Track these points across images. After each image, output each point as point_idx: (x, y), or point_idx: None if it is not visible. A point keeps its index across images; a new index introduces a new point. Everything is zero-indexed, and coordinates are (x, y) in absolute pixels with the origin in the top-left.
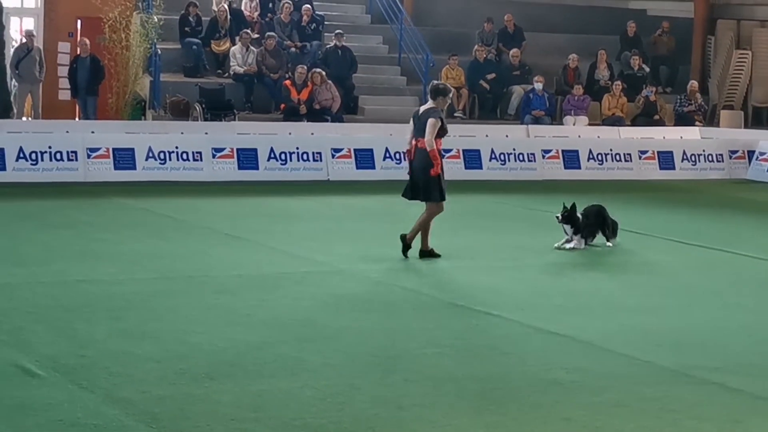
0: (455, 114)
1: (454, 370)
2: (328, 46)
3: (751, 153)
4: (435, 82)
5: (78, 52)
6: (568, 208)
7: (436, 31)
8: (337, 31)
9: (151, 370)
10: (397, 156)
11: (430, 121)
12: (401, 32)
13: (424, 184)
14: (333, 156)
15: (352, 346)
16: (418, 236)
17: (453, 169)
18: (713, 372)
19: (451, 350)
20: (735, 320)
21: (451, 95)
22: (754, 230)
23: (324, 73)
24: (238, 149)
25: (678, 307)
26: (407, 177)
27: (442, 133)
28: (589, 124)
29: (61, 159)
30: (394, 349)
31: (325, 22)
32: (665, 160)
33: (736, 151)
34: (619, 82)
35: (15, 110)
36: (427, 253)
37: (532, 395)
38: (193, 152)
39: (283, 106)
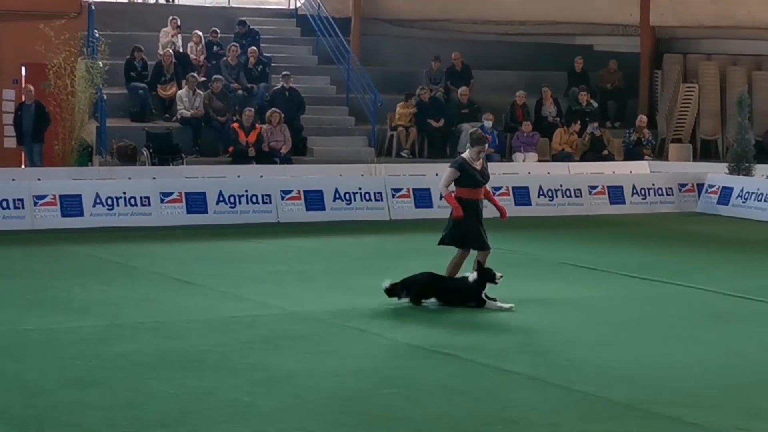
0: (402, 153)
1: (408, 410)
2: (275, 87)
3: (700, 186)
4: (473, 130)
5: (23, 99)
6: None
7: (384, 71)
8: (285, 72)
9: (102, 418)
10: (347, 197)
11: (447, 170)
12: (349, 72)
13: (466, 234)
14: (282, 198)
15: (304, 388)
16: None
17: (403, 209)
18: (666, 406)
19: (405, 391)
20: (688, 353)
21: (486, 146)
22: (705, 263)
23: (281, 114)
24: (186, 193)
25: (631, 342)
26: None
27: (472, 181)
28: (539, 161)
29: (8, 207)
30: (346, 390)
31: (272, 64)
32: (615, 194)
33: (686, 185)
34: (579, 122)
35: None
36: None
37: None
38: (141, 197)
39: (231, 149)
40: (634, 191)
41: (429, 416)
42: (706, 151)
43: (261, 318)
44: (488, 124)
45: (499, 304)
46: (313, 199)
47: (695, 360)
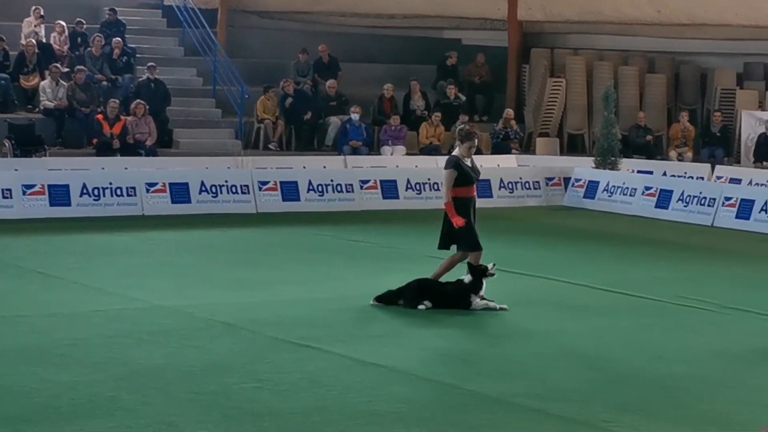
0: (270, 146)
1: (275, 404)
2: (140, 79)
3: (567, 180)
4: (462, 126)
5: None
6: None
7: (251, 63)
8: (150, 63)
9: None
10: (213, 189)
11: (444, 173)
12: (215, 64)
13: (453, 233)
14: (147, 191)
15: (170, 383)
16: None
17: (270, 202)
18: (535, 399)
19: (271, 384)
20: (556, 346)
21: (476, 141)
22: (572, 256)
23: (146, 105)
24: (49, 185)
25: (499, 335)
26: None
27: (466, 179)
28: (407, 154)
29: None
30: (213, 385)
31: (137, 55)
32: (482, 188)
33: (553, 178)
34: (439, 113)
35: None
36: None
37: (354, 428)
38: (2, 189)
39: (95, 141)
40: (502, 185)
41: (296, 410)
42: (572, 145)
43: (125, 312)
44: (355, 116)
45: (492, 304)
46: (179, 192)
47: (563, 353)
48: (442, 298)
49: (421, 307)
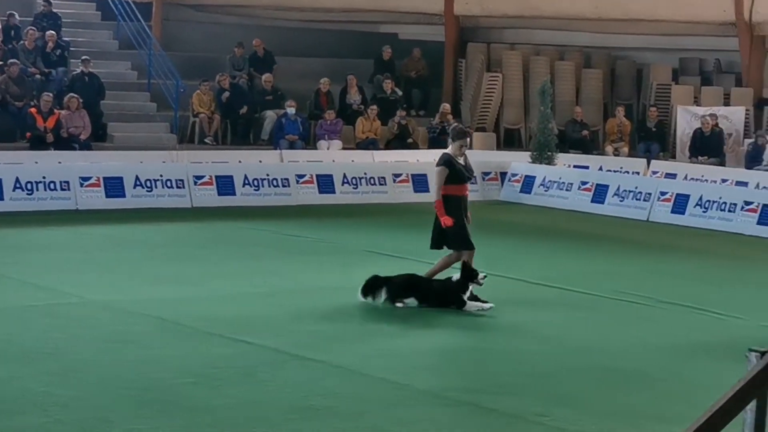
0: (205, 140)
1: (209, 399)
2: (74, 72)
3: (503, 174)
4: (454, 124)
5: None
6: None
7: (186, 57)
8: (84, 57)
9: None
10: (148, 184)
11: (435, 170)
12: (150, 58)
13: (444, 233)
14: (81, 185)
15: (104, 378)
16: None
17: (206, 196)
18: (469, 393)
19: (206, 379)
20: (490, 340)
21: (468, 139)
22: (508, 251)
23: (80, 99)
24: None
25: (435, 329)
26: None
27: (458, 177)
28: (343, 148)
29: None
30: (148, 380)
31: (71, 48)
32: (419, 182)
33: (489, 173)
34: (375, 107)
35: None
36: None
37: (288, 423)
38: None
39: (28, 134)
40: None
41: (231, 405)
42: (509, 140)
43: (59, 307)
44: (291, 110)
45: (480, 304)
46: (113, 186)
47: (498, 347)
48: (429, 296)
49: (399, 304)
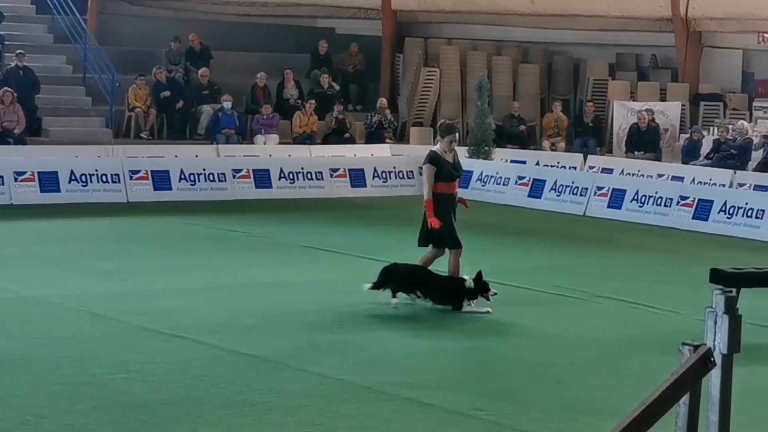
0: (141, 134)
1: (144, 395)
2: (8, 66)
3: None
4: (441, 121)
5: None
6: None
7: (122, 51)
8: (19, 51)
9: None
10: (83, 178)
11: (423, 169)
12: (86, 52)
13: (432, 231)
14: (16, 180)
15: (37, 374)
16: None
17: (141, 191)
18: (406, 388)
19: (141, 375)
20: (428, 335)
21: (458, 135)
22: None
23: (14, 93)
24: None
25: (371, 324)
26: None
27: (446, 175)
28: (280, 143)
29: None
30: (82, 376)
31: (6, 42)
32: (356, 177)
33: None
34: (312, 101)
35: None
36: None
37: (224, 418)
38: None
39: None
40: (375, 174)
41: (166, 400)
42: None
43: None
44: (227, 105)
45: (475, 308)
46: (48, 181)
47: (436, 342)
48: (436, 291)
49: (395, 300)
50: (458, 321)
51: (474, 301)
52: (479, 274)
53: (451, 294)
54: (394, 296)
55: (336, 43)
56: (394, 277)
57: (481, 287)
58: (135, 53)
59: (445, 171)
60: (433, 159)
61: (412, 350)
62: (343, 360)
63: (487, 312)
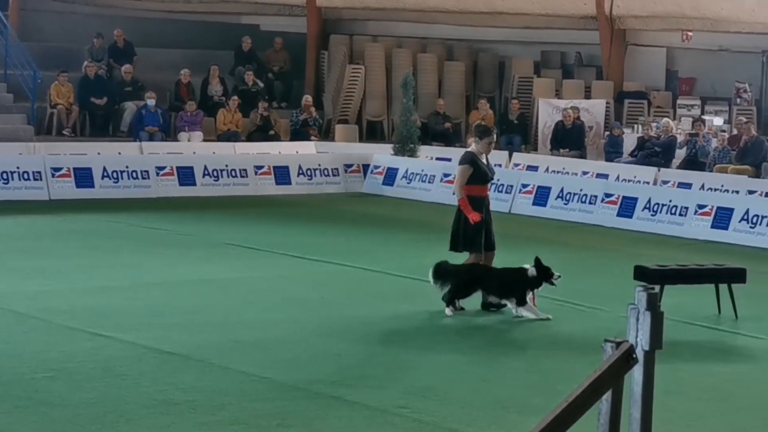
0: (63, 131)
1: (67, 394)
2: None
3: (366, 166)
4: (477, 122)
5: None
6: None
7: (44, 47)
8: None
9: None
10: (4, 176)
11: (458, 169)
12: (7, 48)
13: (462, 234)
14: None
15: None
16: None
17: (63, 188)
18: (330, 386)
19: (63, 374)
20: (352, 333)
21: (495, 136)
22: (369, 243)
23: None
24: None
25: (295, 322)
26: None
27: (481, 178)
28: (204, 140)
29: None
30: (4, 375)
31: None
32: (281, 174)
33: (352, 165)
34: (236, 98)
35: None
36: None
37: (147, 417)
38: None
39: None
40: (300, 171)
41: (88, 400)
42: (371, 132)
43: None
44: (151, 102)
45: (536, 311)
46: None
47: (359, 340)
48: (497, 284)
49: (448, 311)
50: (382, 318)
51: (538, 289)
52: (538, 260)
53: (515, 286)
54: (449, 305)
55: (261, 39)
56: (453, 279)
57: (543, 273)
58: (57, 49)
59: (481, 173)
60: (471, 161)
61: (336, 349)
62: (267, 358)
63: (548, 318)
